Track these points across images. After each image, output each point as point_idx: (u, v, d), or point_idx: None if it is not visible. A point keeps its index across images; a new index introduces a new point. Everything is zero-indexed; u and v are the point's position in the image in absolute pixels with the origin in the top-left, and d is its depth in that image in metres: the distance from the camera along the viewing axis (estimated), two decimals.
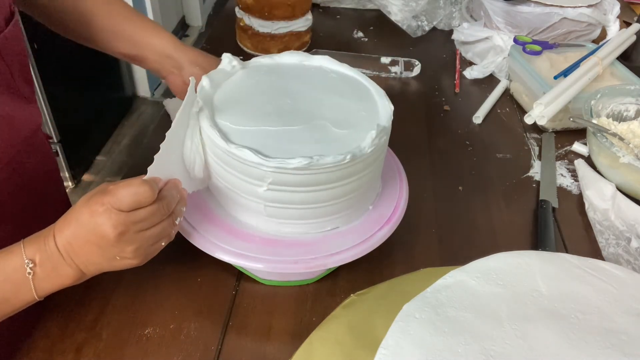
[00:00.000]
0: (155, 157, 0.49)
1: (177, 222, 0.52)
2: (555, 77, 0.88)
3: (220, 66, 0.61)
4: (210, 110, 0.54)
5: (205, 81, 0.57)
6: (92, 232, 0.46)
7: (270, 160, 0.49)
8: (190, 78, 0.53)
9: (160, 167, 0.50)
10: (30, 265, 0.47)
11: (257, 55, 0.65)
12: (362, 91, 0.60)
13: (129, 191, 0.46)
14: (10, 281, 0.47)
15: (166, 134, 0.50)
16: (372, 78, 0.63)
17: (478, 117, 0.91)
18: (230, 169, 0.53)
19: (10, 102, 0.57)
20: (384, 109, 0.57)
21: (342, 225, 0.58)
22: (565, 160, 0.84)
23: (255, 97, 0.57)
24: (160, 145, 0.49)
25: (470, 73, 1.02)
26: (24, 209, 0.61)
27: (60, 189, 0.74)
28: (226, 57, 0.61)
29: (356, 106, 0.57)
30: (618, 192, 0.74)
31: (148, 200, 0.47)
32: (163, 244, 0.51)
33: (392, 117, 0.56)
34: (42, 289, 0.48)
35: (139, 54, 0.68)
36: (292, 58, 0.64)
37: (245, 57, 0.64)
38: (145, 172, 0.48)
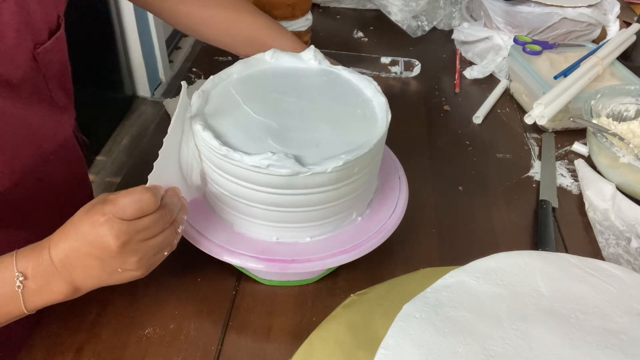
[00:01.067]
0: (154, 164, 0.48)
1: (179, 231, 0.50)
2: (555, 77, 0.88)
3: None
4: (202, 115, 0.54)
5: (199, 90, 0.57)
6: (93, 244, 0.44)
7: (264, 164, 0.49)
8: (182, 83, 0.52)
9: (160, 174, 0.49)
10: (21, 279, 0.45)
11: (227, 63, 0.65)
12: (359, 94, 0.60)
13: (132, 199, 0.44)
14: None
15: (163, 140, 0.49)
16: (372, 78, 0.63)
17: (478, 117, 0.91)
18: (225, 174, 0.52)
19: (41, 111, 0.56)
20: (380, 112, 0.56)
21: (340, 227, 0.58)
22: (565, 160, 0.84)
23: (248, 100, 0.57)
24: (159, 152, 0.48)
25: (470, 73, 1.02)
26: (52, 214, 0.61)
27: (87, 192, 0.74)
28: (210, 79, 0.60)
29: (353, 109, 0.57)
30: (618, 192, 0.74)
31: (151, 208, 0.45)
32: (166, 253, 0.50)
33: (390, 116, 0.56)
34: (31, 302, 0.46)
35: None
36: (289, 60, 0.64)
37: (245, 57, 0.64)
38: (144, 174, 0.48)
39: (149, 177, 0.48)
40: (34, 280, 0.45)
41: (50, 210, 0.61)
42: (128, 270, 0.47)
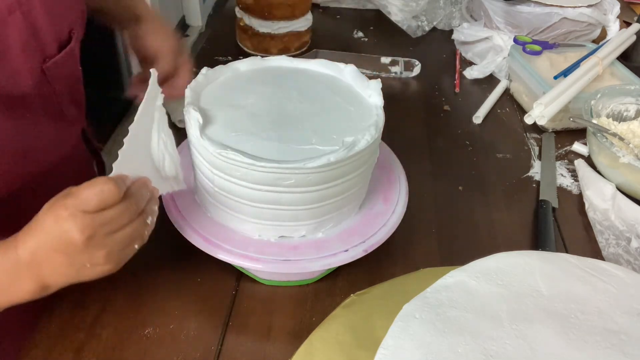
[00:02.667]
0: (119, 152, 0.46)
1: (149, 222, 0.48)
2: (555, 77, 0.88)
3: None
4: (197, 113, 0.54)
5: (192, 83, 0.58)
6: (57, 240, 0.43)
7: (263, 161, 0.49)
8: (151, 71, 0.50)
9: (127, 163, 0.47)
10: None
11: (257, 56, 0.65)
12: (352, 97, 0.60)
13: (93, 190, 0.43)
14: None
15: (129, 127, 0.47)
16: (372, 78, 0.63)
17: (478, 117, 0.91)
18: (220, 172, 0.52)
19: (49, 126, 0.56)
20: (377, 111, 0.56)
21: (339, 226, 0.58)
22: (565, 160, 0.84)
23: (239, 100, 0.57)
24: (124, 140, 0.46)
25: (470, 73, 1.02)
26: None
27: None
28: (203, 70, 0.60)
29: (346, 110, 0.57)
30: (618, 192, 0.74)
31: (114, 199, 0.43)
32: (136, 246, 0.48)
33: (384, 116, 0.56)
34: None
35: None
36: (281, 62, 0.64)
37: (245, 57, 0.64)
38: None
39: (114, 165, 0.45)
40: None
41: None
42: (97, 265, 0.45)
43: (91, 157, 0.72)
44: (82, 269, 0.45)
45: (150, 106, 0.50)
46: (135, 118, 0.48)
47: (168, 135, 0.52)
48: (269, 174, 0.50)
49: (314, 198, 0.53)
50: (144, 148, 0.50)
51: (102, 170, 0.78)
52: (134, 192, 0.46)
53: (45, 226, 0.43)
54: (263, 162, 0.49)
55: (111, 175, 0.45)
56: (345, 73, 0.62)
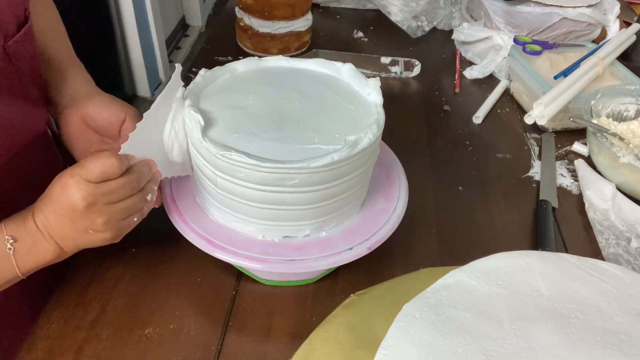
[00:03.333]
0: (130, 135, 0.51)
1: (148, 199, 0.53)
2: (555, 77, 0.88)
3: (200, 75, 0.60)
4: (198, 114, 0.54)
5: (198, 78, 0.58)
6: (63, 205, 0.48)
7: (265, 162, 0.49)
8: (176, 65, 0.54)
9: (135, 145, 0.51)
10: (11, 242, 0.48)
11: (257, 56, 0.65)
12: (353, 94, 0.60)
13: (97, 163, 0.48)
14: None
15: (144, 114, 0.51)
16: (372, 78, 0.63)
17: (478, 117, 0.91)
18: (223, 174, 0.52)
19: (15, 105, 0.57)
20: (377, 112, 0.56)
21: (340, 226, 0.58)
22: (565, 160, 0.84)
23: (238, 100, 0.57)
24: (137, 124, 0.51)
25: (470, 73, 1.02)
26: (25, 206, 0.61)
27: None
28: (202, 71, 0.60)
29: (346, 110, 0.57)
30: (618, 192, 0.74)
31: (115, 172, 0.48)
32: (135, 219, 0.53)
33: (384, 116, 0.56)
34: (24, 265, 0.50)
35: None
36: (279, 62, 0.64)
37: (245, 57, 0.64)
38: None
39: (122, 145, 0.50)
40: (23, 243, 0.49)
41: (23, 203, 0.62)
42: (97, 231, 0.50)
43: (56, 147, 0.72)
44: (85, 233, 0.50)
45: (169, 97, 0.53)
46: (152, 106, 0.51)
47: (181, 127, 0.55)
48: (273, 174, 0.50)
49: (317, 197, 0.53)
50: (156, 134, 0.54)
51: (67, 158, 0.77)
52: (136, 170, 0.51)
53: (54, 193, 0.48)
54: (267, 162, 0.49)
55: (119, 153, 0.49)
56: (343, 72, 0.62)
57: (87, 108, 0.60)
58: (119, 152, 0.50)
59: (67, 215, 0.48)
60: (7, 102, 0.55)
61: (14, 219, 0.50)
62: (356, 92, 0.60)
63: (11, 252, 0.49)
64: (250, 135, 0.52)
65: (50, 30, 0.66)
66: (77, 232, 0.49)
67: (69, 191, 0.47)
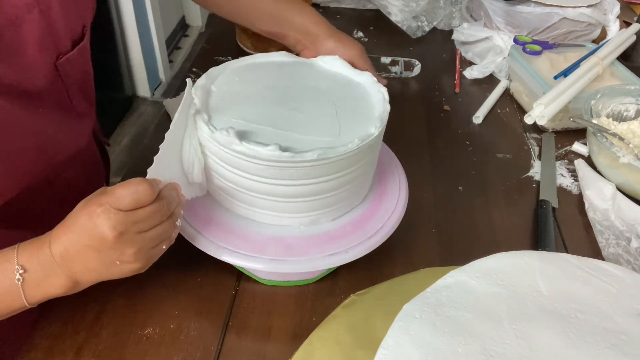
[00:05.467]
0: (155, 158, 0.48)
1: (177, 224, 0.50)
2: (555, 77, 0.88)
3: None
4: (205, 103, 0.54)
5: (202, 79, 0.58)
6: (90, 235, 0.44)
7: (241, 144, 0.49)
8: (187, 80, 0.52)
9: (160, 169, 0.48)
10: (20, 272, 0.45)
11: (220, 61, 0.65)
12: (359, 91, 0.60)
13: (128, 190, 0.44)
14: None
15: (165, 135, 0.49)
16: None
17: (478, 117, 0.91)
18: (228, 165, 0.53)
19: (60, 121, 0.56)
20: (378, 110, 0.56)
21: (340, 226, 0.58)
22: (565, 160, 0.84)
23: (240, 94, 0.58)
24: (160, 147, 0.48)
25: (470, 73, 1.02)
26: (61, 216, 0.61)
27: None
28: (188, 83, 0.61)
29: (349, 106, 0.57)
30: (618, 192, 0.74)
31: (148, 199, 0.45)
32: (164, 247, 0.50)
33: (387, 117, 0.56)
34: (32, 296, 0.46)
35: (281, 31, 0.70)
36: (280, 58, 0.64)
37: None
38: (144, 174, 0.48)
39: (149, 170, 0.47)
40: (33, 274, 0.45)
41: (59, 211, 0.61)
42: (126, 262, 0.46)
43: (99, 154, 0.72)
44: (112, 265, 0.46)
45: (185, 114, 0.51)
46: (172, 125, 0.49)
47: (198, 144, 0.53)
48: (278, 169, 0.50)
49: (311, 190, 0.53)
50: (176, 153, 0.52)
51: (108, 168, 0.78)
52: (166, 194, 0.48)
53: (79, 222, 0.45)
54: (286, 153, 0.49)
55: (146, 178, 0.47)
56: (355, 72, 0.63)
57: (324, 46, 0.66)
58: (147, 177, 0.47)
59: (94, 247, 0.45)
60: (57, 117, 0.55)
61: (29, 246, 0.46)
62: (362, 87, 0.60)
63: (20, 282, 0.45)
64: (255, 130, 0.53)
65: None
66: (103, 264, 0.46)
67: (97, 220, 0.44)
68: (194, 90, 0.55)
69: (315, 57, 0.65)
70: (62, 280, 0.46)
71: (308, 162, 0.50)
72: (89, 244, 0.45)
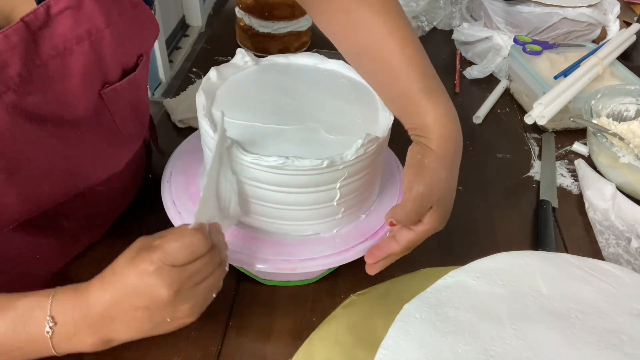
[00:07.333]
0: (199, 200, 0.45)
1: (226, 269, 0.47)
2: (555, 77, 0.88)
3: (232, 61, 0.61)
4: (209, 101, 0.54)
5: (212, 73, 0.57)
6: (142, 295, 0.41)
7: (247, 154, 0.49)
8: (221, 111, 0.49)
9: (204, 211, 0.45)
10: (51, 324, 0.42)
11: (258, 56, 0.65)
12: (368, 99, 0.60)
13: (182, 244, 0.41)
14: (28, 332, 0.42)
15: (205, 174, 0.46)
16: None
17: (478, 117, 0.91)
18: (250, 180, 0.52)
19: (102, 147, 0.53)
20: (384, 120, 0.56)
21: (341, 226, 0.58)
22: (565, 160, 0.84)
23: (256, 93, 0.58)
24: (202, 188, 0.46)
25: (470, 73, 1.02)
26: (85, 224, 0.59)
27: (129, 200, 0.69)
28: (239, 53, 0.61)
29: (356, 113, 0.57)
30: (618, 192, 0.74)
31: (203, 250, 0.42)
32: (214, 295, 0.46)
33: (390, 129, 0.56)
34: (60, 348, 0.43)
35: (400, 117, 0.54)
36: (307, 60, 0.64)
37: None
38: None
39: (195, 216, 0.44)
40: (63, 328, 0.42)
41: (87, 221, 0.59)
42: (179, 318, 0.43)
43: (142, 166, 0.69)
44: (162, 323, 0.43)
45: (220, 150, 0.49)
46: (210, 164, 0.48)
47: (233, 175, 0.51)
48: (280, 176, 0.50)
49: (327, 197, 0.53)
50: (213, 190, 0.49)
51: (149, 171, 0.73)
52: (215, 241, 0.45)
53: (128, 281, 0.41)
54: (272, 158, 0.49)
55: (193, 225, 0.44)
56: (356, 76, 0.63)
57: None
58: (193, 224, 0.43)
59: (144, 306, 0.41)
60: (95, 144, 0.52)
61: (64, 296, 0.43)
62: (374, 106, 0.59)
63: (49, 335, 0.42)
64: (249, 127, 0.53)
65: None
66: (152, 322, 0.43)
67: (149, 280, 0.40)
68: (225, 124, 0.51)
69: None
70: (91, 338, 0.43)
71: (305, 170, 0.50)
72: (139, 304, 0.42)
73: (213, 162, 0.47)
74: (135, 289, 0.41)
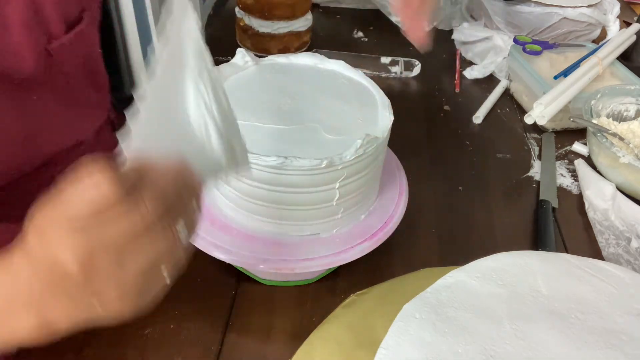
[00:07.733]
0: (131, 124, 0.31)
1: (179, 230, 0.32)
2: (555, 77, 0.88)
3: (232, 60, 0.61)
4: None
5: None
6: (49, 270, 0.30)
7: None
8: None
9: (143, 137, 0.31)
10: None
11: (258, 56, 0.65)
12: (368, 99, 0.60)
13: (80, 193, 0.29)
14: None
15: (147, 85, 0.31)
16: (372, 78, 0.63)
17: (478, 117, 0.91)
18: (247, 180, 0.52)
19: (58, 110, 0.53)
20: (384, 120, 0.56)
21: (340, 226, 0.58)
22: (565, 160, 0.84)
23: (256, 93, 0.58)
24: (139, 106, 0.31)
25: (470, 73, 1.02)
26: None
27: None
28: (239, 53, 0.61)
29: (356, 114, 0.57)
30: (618, 192, 0.74)
31: (110, 200, 0.29)
32: (165, 273, 0.32)
33: (390, 130, 0.56)
34: None
35: None
36: (307, 60, 0.64)
37: None
38: None
39: (122, 146, 0.31)
40: None
41: None
42: (108, 303, 0.32)
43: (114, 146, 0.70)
44: (91, 309, 0.32)
45: (179, 43, 0.32)
46: (159, 68, 0.32)
47: (213, 88, 0.33)
48: (277, 175, 0.50)
49: (320, 198, 0.53)
50: (175, 112, 0.32)
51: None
52: (147, 184, 0.30)
53: (33, 251, 0.31)
54: (272, 158, 0.49)
55: (124, 156, 0.31)
56: (362, 77, 0.63)
57: None
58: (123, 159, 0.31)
59: (59, 285, 0.31)
60: (50, 106, 0.51)
61: None
62: (375, 107, 0.60)
63: None
64: (247, 127, 0.52)
65: None
66: (77, 309, 0.32)
67: (53, 249, 0.29)
68: None
69: None
70: (28, 319, 0.33)
71: (303, 170, 0.50)
72: (51, 280, 0.31)
73: (167, 67, 0.32)
74: (41, 262, 0.31)
